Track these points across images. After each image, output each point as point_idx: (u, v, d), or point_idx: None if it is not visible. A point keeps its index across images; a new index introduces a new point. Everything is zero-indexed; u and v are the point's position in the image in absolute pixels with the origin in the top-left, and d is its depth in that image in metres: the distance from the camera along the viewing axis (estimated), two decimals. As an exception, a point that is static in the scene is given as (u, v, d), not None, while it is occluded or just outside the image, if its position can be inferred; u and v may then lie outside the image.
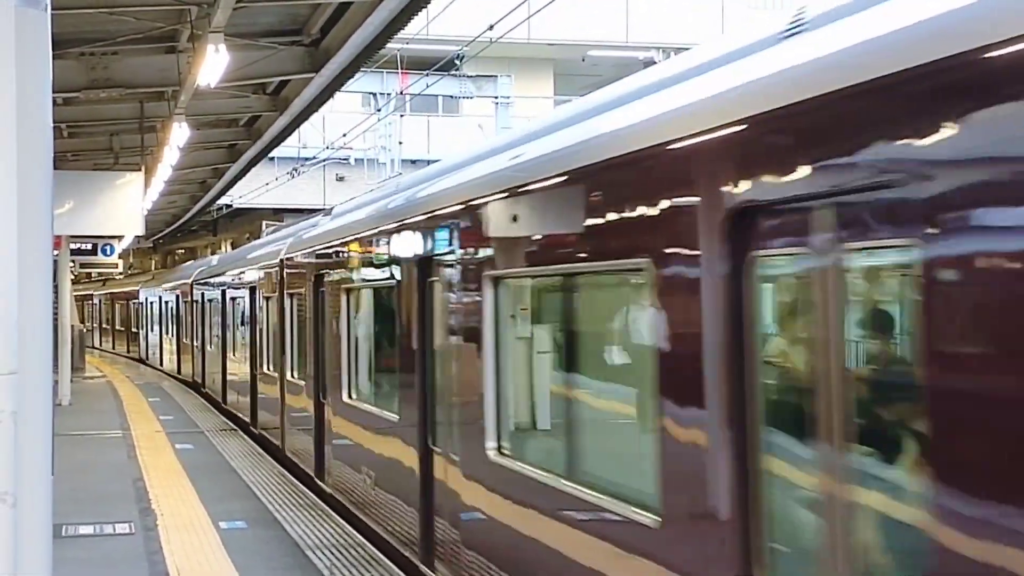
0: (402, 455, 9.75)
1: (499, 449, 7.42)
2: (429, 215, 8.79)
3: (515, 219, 6.93)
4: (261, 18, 15.38)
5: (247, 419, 20.61)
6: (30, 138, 4.44)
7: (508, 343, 7.47)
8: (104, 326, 56.68)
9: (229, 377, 23.50)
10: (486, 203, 7.48)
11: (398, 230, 9.73)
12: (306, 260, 14.46)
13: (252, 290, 19.65)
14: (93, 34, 15.21)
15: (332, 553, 10.60)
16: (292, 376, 15.89)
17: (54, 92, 4.73)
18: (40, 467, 4.59)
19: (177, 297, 32.72)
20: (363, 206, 12.50)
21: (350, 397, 12.16)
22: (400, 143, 39.69)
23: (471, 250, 7.79)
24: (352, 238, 11.75)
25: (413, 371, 9.38)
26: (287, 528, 11.74)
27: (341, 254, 12.35)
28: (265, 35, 15.95)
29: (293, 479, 14.92)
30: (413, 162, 37.05)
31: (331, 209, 15.15)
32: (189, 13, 14.08)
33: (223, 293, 23.58)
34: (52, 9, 4.58)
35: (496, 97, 41.24)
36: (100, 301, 57.73)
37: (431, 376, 9.04)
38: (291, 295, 15.86)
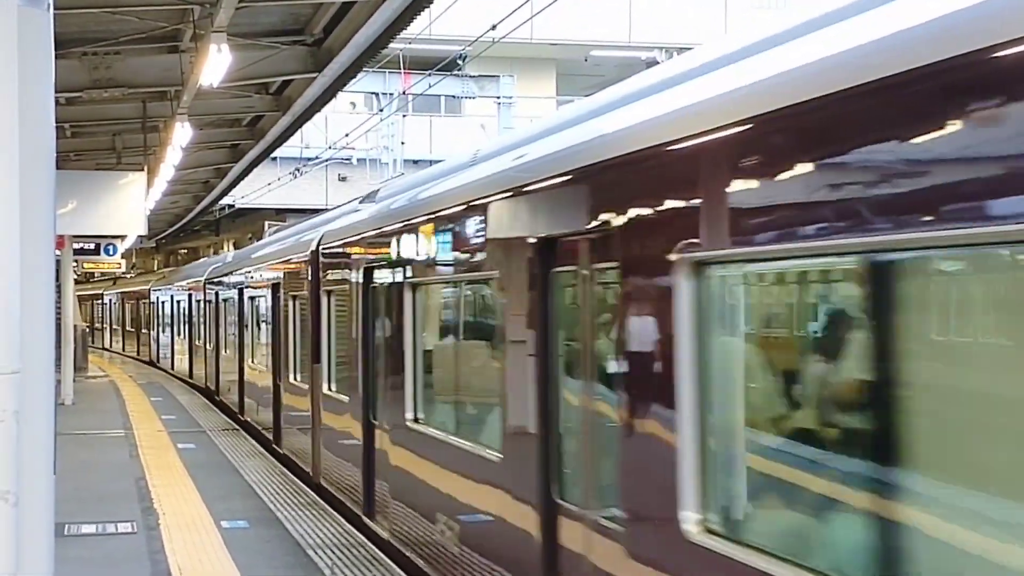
0: (507, 509, 7.14)
1: (705, 526, 4.84)
2: (561, 179, 6.33)
3: (747, 165, 4.51)
4: (263, 18, 15.39)
5: (268, 435, 18.05)
6: (32, 138, 4.45)
7: (731, 364, 4.93)
8: (114, 327, 55.29)
9: (247, 386, 20.97)
10: (703, 144, 4.83)
11: (501, 206, 7.31)
12: (351, 251, 11.96)
13: (275, 287, 17.23)
14: (96, 34, 15.22)
15: (334, 553, 10.61)
16: (330, 389, 13.35)
17: (57, 92, 4.74)
18: (42, 466, 4.60)
19: (189, 296, 30.92)
20: (432, 181, 9.85)
21: (416, 421, 9.50)
22: (403, 143, 39.73)
23: (649, 224, 5.25)
24: (424, 219, 9.04)
25: (526, 395, 6.75)
26: (289, 527, 11.75)
27: (406, 241, 9.64)
28: (267, 35, 15.97)
29: (295, 478, 14.92)
30: (415, 162, 37.09)
31: (375, 192, 13.03)
32: (192, 13, 14.09)
33: (240, 292, 21.36)
34: (54, 9, 4.59)
35: (498, 97, 41.27)
36: (110, 301, 56.19)
37: (559, 404, 6.48)
38: (328, 292, 13.41)
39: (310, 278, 14.17)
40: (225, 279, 23.78)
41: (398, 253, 9.91)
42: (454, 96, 40.47)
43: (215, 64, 13.27)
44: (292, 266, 15.73)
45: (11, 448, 4.28)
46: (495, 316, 7.56)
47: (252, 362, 20.31)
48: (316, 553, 10.59)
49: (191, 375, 30.73)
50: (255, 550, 10.77)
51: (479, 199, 7.71)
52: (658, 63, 19.34)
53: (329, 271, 13.32)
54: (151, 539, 11.23)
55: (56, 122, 4.70)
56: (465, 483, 8.11)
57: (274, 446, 17.45)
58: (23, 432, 4.32)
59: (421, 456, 9.27)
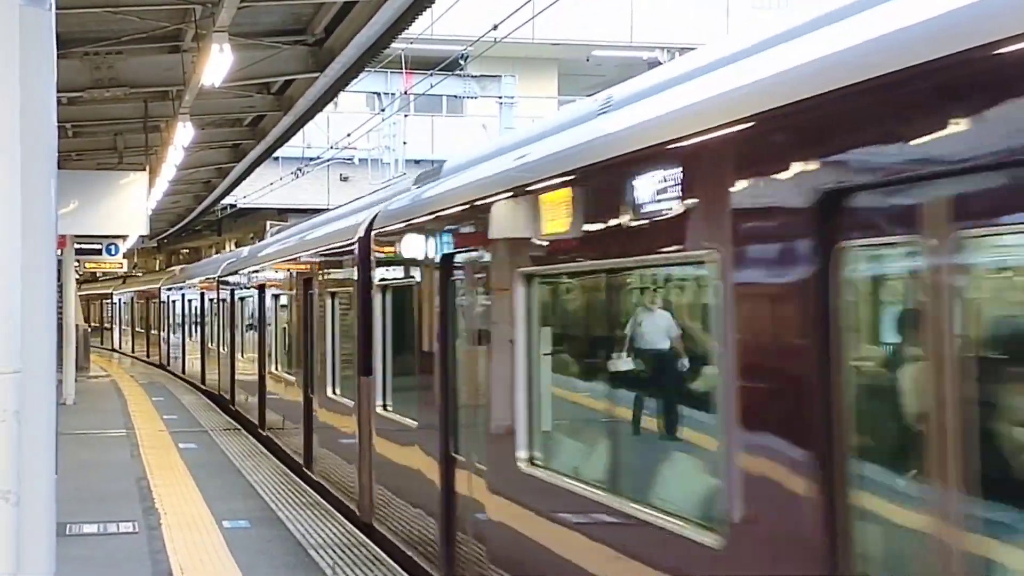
0: None
1: None
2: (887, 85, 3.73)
3: None
4: (265, 17, 15.40)
5: (298, 458, 15.56)
6: (34, 137, 4.44)
7: None
8: (124, 327, 53.49)
9: (270, 397, 18.50)
10: None
11: (717, 149, 4.78)
12: (421, 234, 9.35)
13: (306, 283, 14.77)
14: (97, 33, 15.23)
15: (335, 552, 10.61)
16: (386, 409, 10.82)
17: (58, 91, 4.74)
18: (43, 466, 4.59)
19: (201, 295, 28.90)
20: (539, 140, 7.38)
21: (533, 463, 6.88)
22: (404, 143, 39.74)
23: None
24: (553, 184, 6.49)
25: (789, 442, 4.22)
26: (290, 527, 11.74)
27: (515, 217, 7.13)
28: (269, 35, 15.97)
29: (296, 478, 14.89)
30: (417, 162, 37.10)
31: (437, 168, 10.55)
32: (193, 12, 14.10)
33: (260, 289, 19.10)
34: (56, 8, 4.59)
35: (500, 97, 41.24)
36: (120, 300, 54.21)
37: (860, 464, 3.92)
38: (383, 287, 10.83)
39: (357, 270, 11.66)
40: (242, 276, 21.77)
41: (502, 233, 7.35)
42: (456, 96, 40.46)
43: (217, 64, 13.28)
44: (330, 257, 13.24)
45: (12, 448, 4.28)
46: (702, 316, 5.13)
47: (275, 369, 17.78)
48: (317, 553, 10.59)
49: (203, 380, 28.63)
50: (256, 550, 10.77)
51: (665, 146, 5.19)
52: (660, 63, 19.36)
53: (385, 261, 10.79)
54: (152, 539, 11.23)
55: (58, 122, 4.70)
56: (641, 570, 5.39)
57: (305, 470, 14.91)
58: (24, 432, 4.32)
59: (544, 515, 6.63)
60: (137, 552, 10.74)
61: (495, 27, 17.31)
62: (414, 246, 9.70)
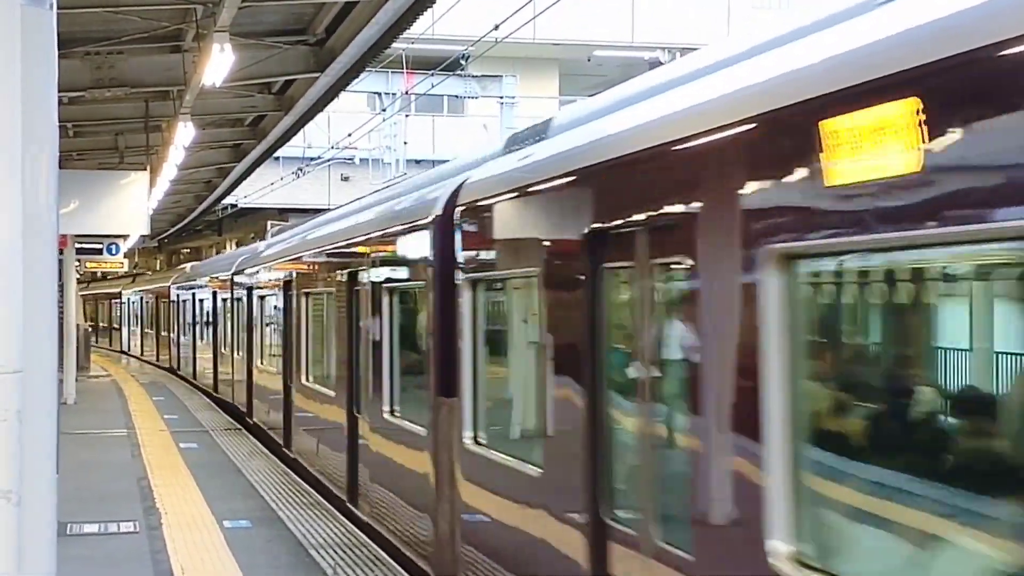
0: None
1: None
2: None
3: None
4: (266, 17, 15.40)
5: (339, 491, 12.99)
6: (35, 137, 4.44)
7: None
8: (132, 328, 52.11)
9: (297, 413, 15.96)
10: None
11: None
12: (555, 204, 6.73)
13: (351, 278, 12.16)
14: (98, 33, 15.24)
15: (336, 552, 10.61)
16: (478, 443, 8.15)
17: (59, 91, 4.74)
18: (44, 465, 4.59)
19: (214, 295, 26.86)
20: (775, 44, 4.85)
21: (803, 563, 4.23)
22: (405, 143, 39.75)
23: None
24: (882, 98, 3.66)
25: None
26: (291, 527, 11.74)
27: (787, 158, 4.25)
28: (270, 34, 15.98)
29: (298, 478, 14.88)
30: (418, 162, 37.10)
31: (545, 123, 7.85)
32: (194, 12, 14.10)
33: (286, 287, 16.68)
34: (58, 8, 4.59)
35: (501, 97, 41.24)
36: (129, 300, 52.55)
37: None
38: (473, 281, 8.21)
39: (432, 259, 9.01)
40: (261, 273, 19.43)
41: (735, 193, 4.60)
42: (457, 96, 40.45)
43: (217, 64, 13.29)
44: (386, 245, 10.73)
45: (13, 447, 4.27)
46: None
47: (306, 381, 15.36)
48: (318, 553, 10.59)
49: (216, 388, 26.57)
50: (257, 550, 10.77)
51: None
52: (661, 63, 19.38)
53: (479, 246, 8.20)
54: (153, 539, 11.23)
55: (59, 121, 4.70)
56: None
57: (349, 505, 12.49)
58: (25, 432, 4.32)
59: None
60: (138, 552, 10.74)
61: (496, 27, 17.31)
62: (535, 223, 7.04)
